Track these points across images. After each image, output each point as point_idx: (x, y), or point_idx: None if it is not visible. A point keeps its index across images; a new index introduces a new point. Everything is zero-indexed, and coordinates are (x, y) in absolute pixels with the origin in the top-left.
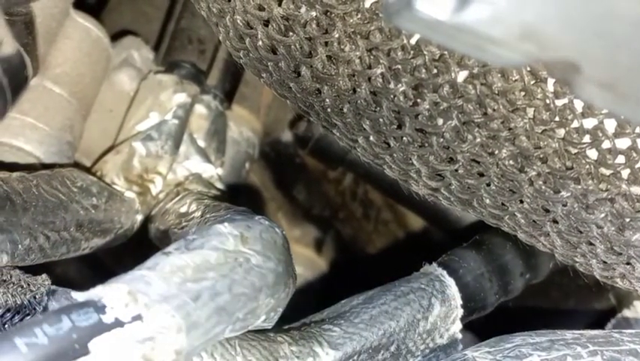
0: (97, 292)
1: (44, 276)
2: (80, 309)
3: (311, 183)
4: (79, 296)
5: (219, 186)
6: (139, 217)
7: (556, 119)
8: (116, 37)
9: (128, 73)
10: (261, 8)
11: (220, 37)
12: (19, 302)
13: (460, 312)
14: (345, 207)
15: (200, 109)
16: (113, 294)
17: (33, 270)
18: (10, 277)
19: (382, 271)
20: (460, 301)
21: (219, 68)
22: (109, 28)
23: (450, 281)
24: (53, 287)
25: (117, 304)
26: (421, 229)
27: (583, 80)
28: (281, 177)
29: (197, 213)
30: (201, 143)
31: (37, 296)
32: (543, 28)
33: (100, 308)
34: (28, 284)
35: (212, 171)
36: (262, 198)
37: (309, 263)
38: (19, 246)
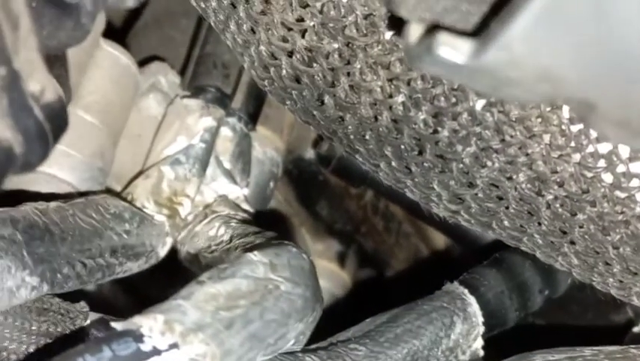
0: (135, 322)
1: (82, 303)
2: (119, 338)
3: (333, 199)
4: (118, 326)
5: (245, 206)
6: (169, 240)
7: (572, 144)
8: (142, 61)
9: (155, 98)
10: (284, 40)
11: (245, 66)
12: (59, 330)
13: (481, 329)
14: (366, 221)
15: (225, 131)
16: (151, 323)
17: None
18: (51, 305)
19: (404, 282)
20: (481, 319)
21: (243, 91)
22: (135, 52)
23: (471, 299)
24: (91, 314)
25: (154, 333)
26: (442, 241)
27: (598, 117)
28: (304, 194)
29: (226, 237)
30: (227, 165)
31: (76, 323)
32: (558, 71)
33: (138, 337)
34: (68, 311)
35: (238, 192)
36: (285, 214)
37: (333, 276)
38: (59, 275)
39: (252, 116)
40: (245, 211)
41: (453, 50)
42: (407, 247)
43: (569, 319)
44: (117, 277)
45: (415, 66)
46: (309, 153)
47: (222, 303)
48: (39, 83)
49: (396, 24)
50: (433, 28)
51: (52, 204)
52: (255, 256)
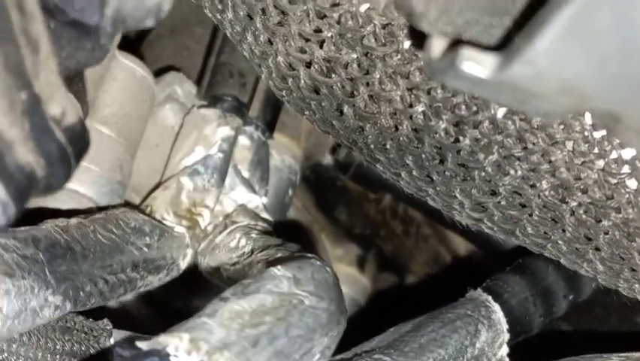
0: (160, 341)
1: (106, 321)
2: (145, 358)
3: (352, 204)
4: (143, 345)
5: (265, 215)
6: (189, 251)
7: (595, 150)
8: (158, 71)
9: (171, 108)
10: (302, 51)
11: (263, 77)
12: (83, 348)
13: (506, 336)
14: (385, 225)
15: (243, 140)
16: (176, 342)
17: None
18: (74, 323)
19: (424, 285)
20: (505, 326)
21: (260, 99)
22: (150, 62)
23: (495, 306)
24: (115, 331)
25: (180, 353)
26: (462, 244)
27: (622, 128)
28: (322, 200)
29: (247, 249)
30: (245, 173)
31: (100, 341)
32: (582, 84)
33: (164, 357)
34: (92, 330)
35: (257, 201)
36: (304, 220)
37: (352, 281)
38: (81, 293)
39: (270, 124)
40: (264, 220)
41: (477, 64)
42: (426, 250)
43: (593, 323)
44: (139, 291)
45: (437, 80)
46: (327, 159)
47: (247, 320)
48: (60, 106)
49: (417, 35)
50: (455, 43)
51: (73, 220)
52: (278, 270)
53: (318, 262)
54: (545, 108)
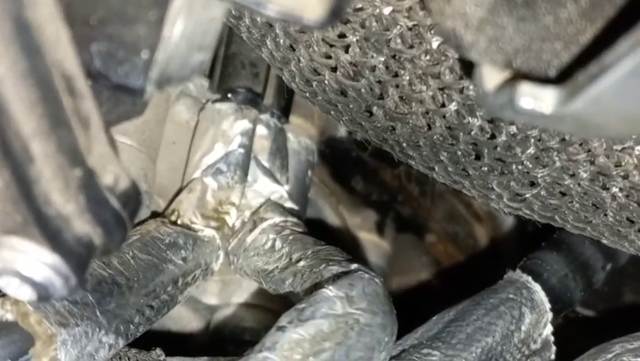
0: None
1: (158, 351)
2: None
3: (368, 173)
4: None
5: (290, 204)
6: (221, 253)
7: (634, 136)
8: None
9: (185, 103)
10: (327, 56)
11: (284, 79)
12: None
13: (549, 315)
14: (402, 189)
15: (260, 130)
16: None
17: None
18: (128, 359)
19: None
20: (548, 305)
21: (273, 85)
22: None
23: (536, 287)
24: (168, 359)
25: None
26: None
27: None
28: (338, 171)
29: (284, 251)
30: (266, 163)
31: None
32: None
33: None
34: None
35: (280, 191)
36: (322, 194)
37: (373, 247)
38: (131, 326)
39: (285, 110)
40: (292, 212)
41: (536, 100)
42: (443, 206)
43: (629, 281)
44: (179, 304)
45: (494, 115)
46: (341, 132)
47: (308, 349)
48: (112, 174)
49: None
50: (512, 78)
51: None
52: (330, 291)
53: (367, 275)
54: (606, 134)
